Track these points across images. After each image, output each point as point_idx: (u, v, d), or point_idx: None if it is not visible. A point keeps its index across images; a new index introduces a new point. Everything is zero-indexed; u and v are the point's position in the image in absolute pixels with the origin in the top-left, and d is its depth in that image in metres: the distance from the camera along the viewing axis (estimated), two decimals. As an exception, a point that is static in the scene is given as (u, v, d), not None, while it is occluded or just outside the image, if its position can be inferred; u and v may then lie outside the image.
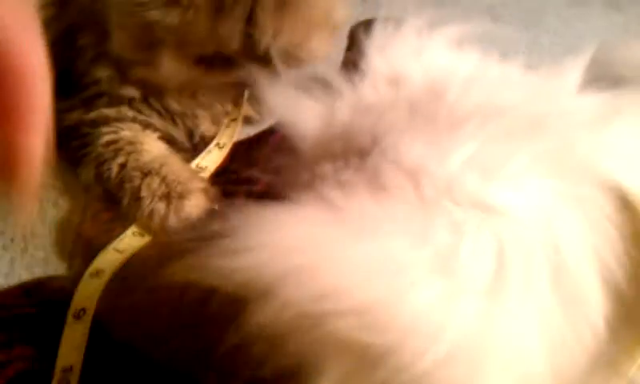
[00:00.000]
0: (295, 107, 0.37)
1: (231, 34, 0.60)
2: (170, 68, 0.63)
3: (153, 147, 0.65)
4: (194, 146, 0.71)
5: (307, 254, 0.26)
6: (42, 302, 0.57)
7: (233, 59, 0.63)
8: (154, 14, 0.59)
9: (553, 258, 0.27)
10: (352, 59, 0.38)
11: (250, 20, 0.60)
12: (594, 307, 0.28)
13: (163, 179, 0.61)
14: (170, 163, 0.63)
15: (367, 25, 0.37)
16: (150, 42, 0.62)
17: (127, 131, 0.65)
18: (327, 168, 0.34)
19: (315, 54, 0.66)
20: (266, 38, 0.61)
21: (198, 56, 0.63)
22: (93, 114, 0.67)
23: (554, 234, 0.28)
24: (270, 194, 0.62)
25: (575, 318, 0.27)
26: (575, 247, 0.27)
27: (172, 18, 0.59)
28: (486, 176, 0.28)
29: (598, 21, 1.09)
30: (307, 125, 0.36)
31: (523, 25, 1.07)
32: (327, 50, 0.68)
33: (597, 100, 0.34)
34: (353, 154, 0.33)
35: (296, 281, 0.25)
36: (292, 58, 0.64)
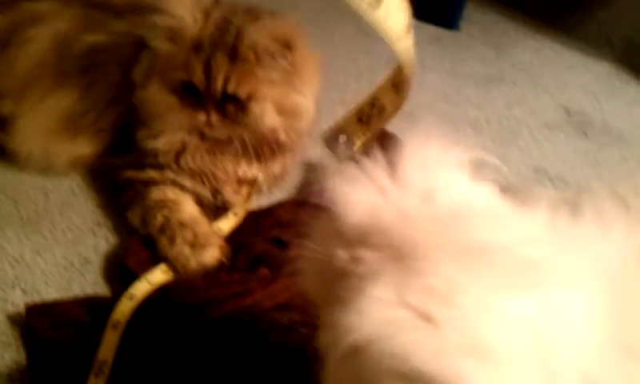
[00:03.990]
0: (348, 195, 0.42)
1: (196, 66, 0.82)
2: (155, 91, 0.86)
3: (189, 207, 0.87)
4: (218, 208, 0.91)
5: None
6: (92, 312, 0.76)
7: (199, 97, 0.84)
8: (158, 43, 0.85)
9: None
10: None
11: (210, 62, 0.82)
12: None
13: (193, 232, 0.81)
14: (200, 221, 0.85)
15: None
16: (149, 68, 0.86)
17: (171, 194, 0.86)
18: (365, 254, 0.39)
19: (262, 117, 0.85)
20: (219, 80, 0.82)
21: (173, 85, 0.85)
22: (144, 175, 0.89)
23: None
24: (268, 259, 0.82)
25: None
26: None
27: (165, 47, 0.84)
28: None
29: (564, 145, 1.25)
30: (355, 213, 0.41)
31: (499, 140, 1.24)
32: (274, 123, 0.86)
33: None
34: (392, 251, 0.38)
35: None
36: (243, 108, 0.84)
